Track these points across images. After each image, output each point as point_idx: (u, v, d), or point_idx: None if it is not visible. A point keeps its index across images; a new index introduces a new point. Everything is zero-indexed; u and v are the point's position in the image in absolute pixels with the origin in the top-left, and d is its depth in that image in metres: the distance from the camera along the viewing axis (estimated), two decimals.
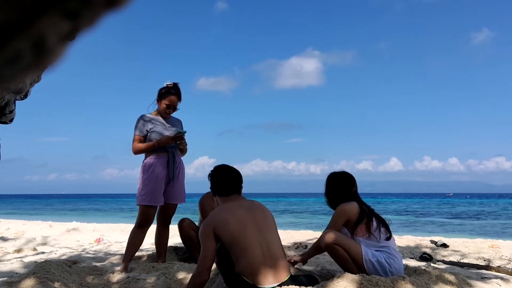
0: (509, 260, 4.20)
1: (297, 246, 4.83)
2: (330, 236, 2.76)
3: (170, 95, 3.57)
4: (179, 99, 3.64)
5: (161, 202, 3.55)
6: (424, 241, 5.71)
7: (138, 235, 3.53)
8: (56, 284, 2.61)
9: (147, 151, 3.55)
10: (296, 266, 3.13)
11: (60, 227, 7.72)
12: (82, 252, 4.76)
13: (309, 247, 4.76)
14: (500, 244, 5.31)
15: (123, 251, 3.72)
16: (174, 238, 4.67)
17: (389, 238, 2.86)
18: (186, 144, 3.64)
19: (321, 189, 3.12)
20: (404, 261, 3.64)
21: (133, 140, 3.55)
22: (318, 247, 2.92)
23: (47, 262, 3.06)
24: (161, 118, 3.64)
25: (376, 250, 2.80)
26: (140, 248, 3.83)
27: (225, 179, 2.59)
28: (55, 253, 4.66)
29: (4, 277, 3.02)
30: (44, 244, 5.70)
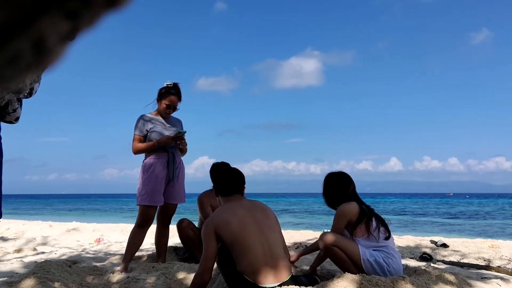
0: (509, 260, 4.20)
1: (297, 246, 4.83)
2: (327, 238, 2.79)
3: (170, 95, 3.57)
4: (179, 99, 3.64)
5: (161, 202, 3.55)
6: (424, 241, 5.71)
7: (138, 235, 3.53)
8: (56, 284, 2.61)
9: (147, 151, 3.55)
10: (296, 266, 3.14)
11: (60, 227, 7.73)
12: (82, 252, 4.76)
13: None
14: (500, 244, 5.32)
15: (123, 251, 3.72)
16: (174, 238, 4.66)
17: (388, 237, 2.87)
18: (186, 144, 3.64)
19: (321, 189, 3.13)
20: (404, 261, 3.65)
21: (133, 140, 3.55)
22: (319, 256, 2.99)
23: (47, 262, 3.06)
24: (161, 118, 3.64)
25: (374, 250, 2.81)
26: (140, 248, 3.83)
27: (227, 179, 2.62)
28: (55, 253, 4.66)
29: (4, 277, 3.02)
30: (44, 244, 5.71)
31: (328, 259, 3.00)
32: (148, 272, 3.11)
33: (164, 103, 3.57)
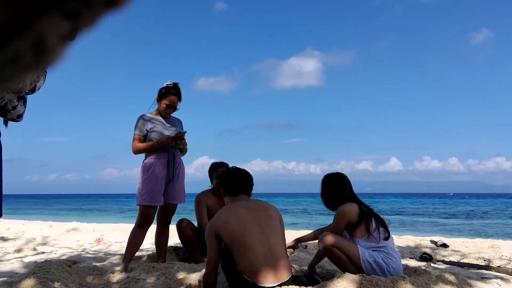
0: (509, 260, 4.20)
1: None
2: (327, 239, 2.80)
3: (170, 95, 3.57)
4: (179, 99, 3.64)
5: (161, 202, 3.55)
6: (424, 241, 5.72)
7: (138, 235, 3.53)
8: (56, 284, 2.61)
9: (147, 151, 3.55)
10: (295, 266, 3.14)
11: (60, 227, 7.73)
12: (82, 252, 4.76)
13: (309, 247, 4.76)
14: (500, 244, 5.32)
15: (123, 251, 3.72)
16: (174, 238, 4.66)
17: (387, 238, 2.87)
18: (186, 144, 3.64)
19: (319, 190, 3.14)
20: (404, 261, 3.65)
21: (133, 140, 3.55)
22: (318, 254, 3.02)
23: (47, 262, 3.06)
24: (161, 118, 3.64)
25: (373, 250, 2.81)
26: (140, 248, 3.83)
27: (233, 179, 2.67)
28: (55, 253, 4.66)
29: (4, 277, 3.03)
30: (44, 244, 5.71)
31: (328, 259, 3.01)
32: (148, 272, 3.11)
33: (164, 103, 3.57)
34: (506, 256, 4.39)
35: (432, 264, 3.65)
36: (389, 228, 2.96)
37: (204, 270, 2.78)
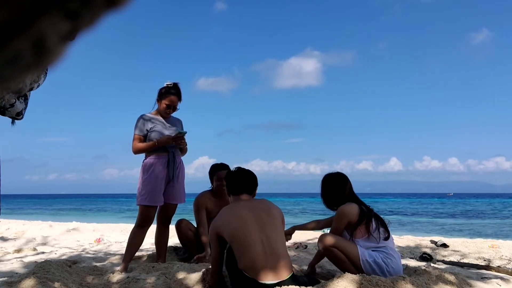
0: (509, 260, 4.20)
1: (297, 246, 4.86)
2: (326, 239, 2.81)
3: (170, 95, 3.57)
4: (179, 99, 3.64)
5: (161, 202, 3.55)
6: (424, 241, 5.72)
7: (138, 235, 3.53)
8: (56, 284, 2.61)
9: (147, 151, 3.55)
10: (295, 266, 3.15)
11: (60, 227, 7.73)
12: (82, 252, 4.76)
13: (309, 247, 4.77)
14: (500, 244, 5.32)
15: (123, 251, 3.72)
16: (174, 238, 4.66)
17: (387, 238, 2.87)
18: (186, 144, 3.64)
19: (319, 190, 3.14)
20: (404, 261, 3.65)
21: (133, 140, 3.55)
22: (318, 253, 3.04)
23: (47, 262, 3.06)
24: (161, 118, 3.64)
25: (373, 250, 2.81)
26: (140, 248, 3.83)
27: (238, 180, 2.71)
28: (55, 253, 4.66)
29: (4, 277, 3.02)
30: (44, 244, 5.71)
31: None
32: (148, 272, 3.11)
33: (164, 103, 3.57)
34: (506, 256, 4.40)
35: (432, 264, 3.65)
36: (389, 228, 2.96)
37: (204, 270, 2.81)
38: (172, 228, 3.89)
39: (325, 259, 3.02)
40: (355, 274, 2.51)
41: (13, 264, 3.77)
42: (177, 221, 4.11)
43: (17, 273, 3.23)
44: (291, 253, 4.33)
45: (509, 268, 3.59)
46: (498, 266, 3.68)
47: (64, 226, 7.94)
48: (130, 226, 5.70)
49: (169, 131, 3.58)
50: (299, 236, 6.13)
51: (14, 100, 2.22)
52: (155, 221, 3.69)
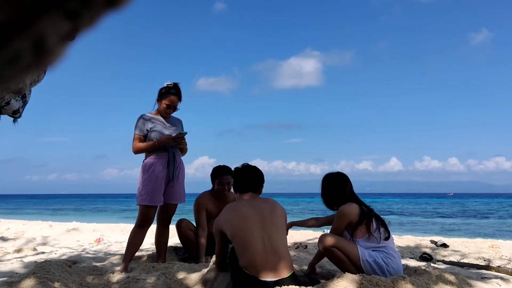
0: (509, 260, 4.20)
1: (297, 246, 4.86)
2: (327, 239, 2.81)
3: (170, 95, 3.57)
4: (179, 99, 3.64)
5: (161, 202, 3.55)
6: (424, 241, 5.72)
7: (138, 235, 3.53)
8: (56, 284, 2.61)
9: (147, 151, 3.55)
10: (295, 266, 3.15)
11: (60, 227, 7.73)
12: (82, 252, 4.76)
13: (309, 247, 4.77)
14: (500, 244, 5.32)
15: (123, 251, 3.72)
16: (174, 238, 4.67)
17: (387, 238, 2.87)
18: (186, 144, 3.64)
19: (320, 190, 3.14)
20: (404, 261, 3.65)
21: (133, 139, 3.55)
22: (318, 252, 3.03)
23: (47, 262, 3.06)
24: (161, 118, 3.64)
25: (373, 250, 2.81)
26: (140, 248, 3.83)
27: (244, 177, 2.74)
28: (55, 253, 4.66)
29: (4, 277, 3.02)
30: (44, 244, 5.71)
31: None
32: (148, 272, 3.11)
33: (164, 103, 3.57)
34: (506, 256, 4.40)
35: (432, 264, 3.65)
36: (389, 228, 2.96)
37: (204, 271, 2.82)
38: (172, 228, 3.89)
39: (325, 259, 3.02)
40: (355, 274, 2.52)
41: (13, 264, 3.77)
42: (177, 221, 4.11)
43: (17, 273, 3.23)
44: (291, 253, 4.33)
45: (509, 268, 3.59)
46: (498, 266, 3.68)
47: (64, 226, 7.95)
48: (130, 226, 5.71)
49: (169, 131, 3.58)
50: (299, 236, 6.13)
51: (9, 98, 2.20)
52: (155, 221, 3.69)
